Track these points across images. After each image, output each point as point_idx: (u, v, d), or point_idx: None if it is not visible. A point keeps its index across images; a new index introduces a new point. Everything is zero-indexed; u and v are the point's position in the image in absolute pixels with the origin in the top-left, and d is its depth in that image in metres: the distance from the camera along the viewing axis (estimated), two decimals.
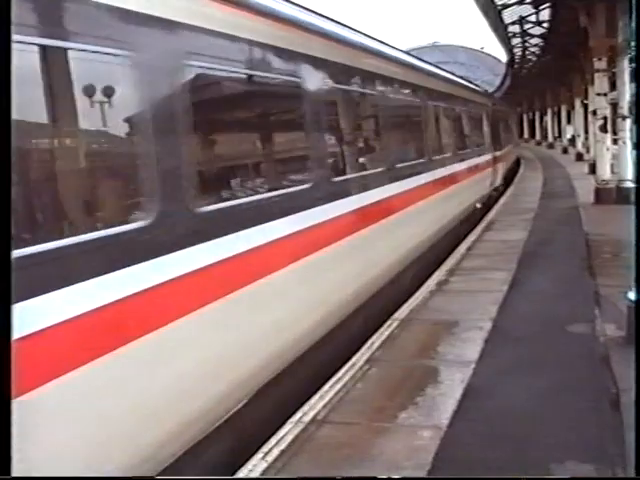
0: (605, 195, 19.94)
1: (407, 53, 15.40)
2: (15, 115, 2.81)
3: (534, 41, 37.00)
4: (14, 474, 2.81)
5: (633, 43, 6.77)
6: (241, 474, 5.01)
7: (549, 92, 54.63)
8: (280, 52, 6.51)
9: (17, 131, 2.91)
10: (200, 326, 4.74)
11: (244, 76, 6.00)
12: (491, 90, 50.09)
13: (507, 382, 6.44)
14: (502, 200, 23.06)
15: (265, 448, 5.33)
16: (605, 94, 20.41)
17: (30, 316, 3.31)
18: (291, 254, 6.29)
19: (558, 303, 9.21)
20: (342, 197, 7.73)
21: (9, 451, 2.77)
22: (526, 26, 32.52)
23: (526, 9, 28.49)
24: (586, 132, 38.01)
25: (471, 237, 15.42)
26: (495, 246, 14.07)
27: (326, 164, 7.66)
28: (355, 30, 10.00)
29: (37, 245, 3.46)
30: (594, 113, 22.87)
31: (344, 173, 8.17)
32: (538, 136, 71.46)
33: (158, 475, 4.50)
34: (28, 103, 3.48)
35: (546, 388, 6.24)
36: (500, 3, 26.48)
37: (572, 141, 46.86)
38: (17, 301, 3.02)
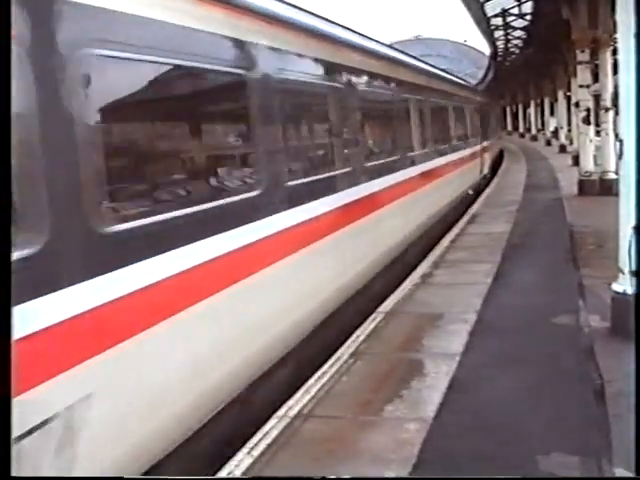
0: (588, 187, 20.06)
1: None
2: None
3: (517, 34, 37.11)
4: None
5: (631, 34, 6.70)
6: (227, 469, 4.97)
7: (532, 84, 54.78)
8: None
9: None
10: None
11: None
12: (474, 83, 49.89)
13: (492, 374, 6.44)
14: (486, 193, 23.10)
15: (251, 443, 5.30)
16: (588, 86, 20.47)
17: None
18: None
19: (542, 295, 9.23)
20: None
21: (9, 451, 2.75)
22: (509, 19, 32.60)
23: (509, 1, 28.57)
24: (569, 124, 38.12)
25: (455, 230, 15.43)
26: (479, 238, 14.09)
27: None
28: None
29: None
30: (577, 105, 22.94)
31: None
32: (521, 128, 71.75)
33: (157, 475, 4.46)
34: None
35: (531, 380, 6.25)
36: None
37: (555, 133, 47.07)
38: None
